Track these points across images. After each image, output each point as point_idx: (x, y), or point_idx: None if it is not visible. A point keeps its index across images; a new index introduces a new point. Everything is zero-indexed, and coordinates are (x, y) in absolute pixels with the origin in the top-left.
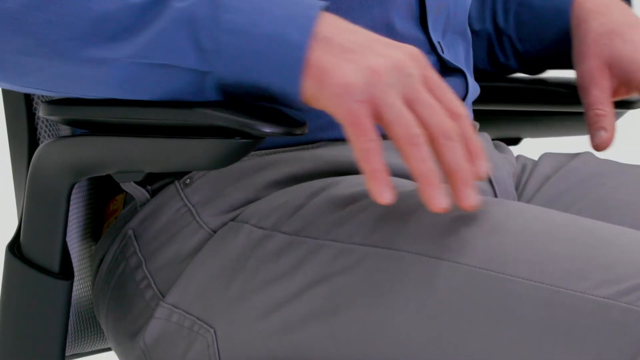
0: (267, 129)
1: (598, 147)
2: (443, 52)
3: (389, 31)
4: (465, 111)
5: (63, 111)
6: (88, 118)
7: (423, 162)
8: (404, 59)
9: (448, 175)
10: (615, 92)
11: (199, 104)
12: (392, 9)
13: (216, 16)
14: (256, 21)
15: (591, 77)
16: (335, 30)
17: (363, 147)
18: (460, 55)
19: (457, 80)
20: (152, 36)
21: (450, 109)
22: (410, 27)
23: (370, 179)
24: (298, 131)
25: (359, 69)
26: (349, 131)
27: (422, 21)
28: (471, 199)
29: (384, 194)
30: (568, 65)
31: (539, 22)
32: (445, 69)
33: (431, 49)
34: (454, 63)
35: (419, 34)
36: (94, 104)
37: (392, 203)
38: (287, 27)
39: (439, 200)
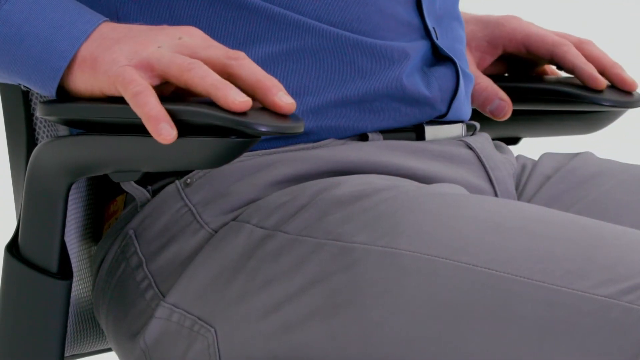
0: (262, 128)
1: (502, 115)
2: (437, 39)
3: (382, 15)
4: (244, 54)
5: (60, 111)
6: (85, 118)
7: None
8: (174, 30)
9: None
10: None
11: (194, 103)
12: None
13: (0, 5)
14: (30, 18)
15: None
16: (109, 32)
17: (131, 94)
18: (456, 40)
19: (447, 70)
20: None
21: (229, 56)
22: (404, 11)
23: (146, 122)
24: (293, 130)
25: (125, 47)
26: (120, 90)
27: (419, 6)
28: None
29: (163, 132)
30: None
31: None
32: (438, 57)
33: (425, 34)
34: (446, 51)
35: (414, 19)
36: (91, 103)
37: (173, 140)
38: (57, 34)
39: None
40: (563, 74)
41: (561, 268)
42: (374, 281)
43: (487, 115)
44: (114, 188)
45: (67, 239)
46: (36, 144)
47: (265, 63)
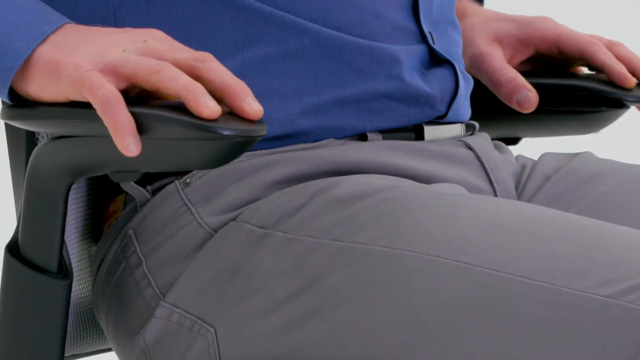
0: (225, 132)
1: (528, 106)
2: (434, 43)
3: (378, 20)
4: (211, 56)
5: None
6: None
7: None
8: (138, 33)
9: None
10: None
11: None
12: None
13: None
14: None
15: (482, 54)
16: (71, 35)
17: (99, 101)
18: (452, 44)
19: (446, 72)
20: None
21: (196, 58)
22: (400, 16)
23: (113, 134)
24: (256, 134)
25: (88, 51)
26: (87, 96)
27: (415, 11)
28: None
29: (129, 148)
30: None
31: None
32: (435, 60)
33: (422, 39)
34: (444, 54)
35: (410, 24)
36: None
37: (137, 154)
38: (14, 34)
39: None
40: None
41: (561, 268)
42: (374, 281)
43: (513, 105)
44: (113, 188)
45: (67, 239)
46: (36, 144)
47: (263, 63)
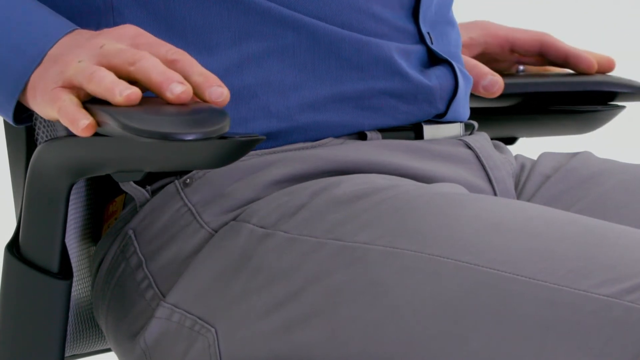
0: (189, 137)
1: (495, 90)
2: (432, 43)
3: (376, 21)
4: (183, 55)
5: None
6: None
7: (101, 81)
8: (100, 39)
9: (150, 85)
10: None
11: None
12: (376, 0)
13: None
14: None
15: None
16: (59, 45)
17: (57, 110)
18: (451, 45)
19: (445, 71)
20: None
21: (166, 58)
22: (399, 17)
23: (70, 126)
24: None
25: (54, 69)
26: (52, 110)
27: (415, 12)
28: (178, 88)
29: (80, 124)
30: None
31: None
32: (434, 59)
33: (420, 39)
34: (442, 54)
35: (408, 25)
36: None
37: (88, 127)
38: (15, 57)
39: (123, 92)
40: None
41: (563, 267)
42: (375, 280)
43: (480, 92)
44: (113, 188)
45: (66, 239)
46: (36, 144)
47: (261, 57)
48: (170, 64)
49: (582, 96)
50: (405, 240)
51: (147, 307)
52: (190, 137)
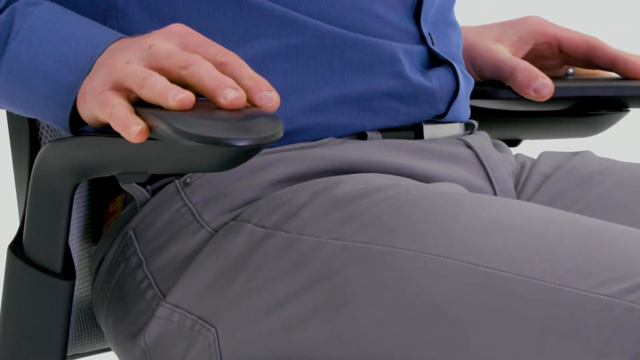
0: (241, 143)
1: (545, 93)
2: (433, 44)
3: (378, 22)
4: (232, 57)
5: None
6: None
7: (153, 87)
8: (149, 39)
9: (203, 90)
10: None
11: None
12: (377, 0)
13: (6, 43)
14: (37, 54)
15: (489, 51)
16: (107, 51)
17: (108, 115)
18: (452, 46)
19: (446, 72)
20: None
21: (215, 60)
22: (400, 18)
23: (120, 130)
24: (269, 139)
25: (101, 72)
26: (103, 115)
27: (416, 13)
28: (231, 93)
29: (131, 131)
30: None
31: None
32: (435, 60)
33: (421, 40)
34: (443, 55)
35: (409, 25)
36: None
37: (140, 135)
38: (65, 69)
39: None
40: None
41: (563, 267)
42: (375, 280)
43: (529, 95)
44: (113, 188)
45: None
46: (39, 145)
47: (264, 59)
48: (220, 66)
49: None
50: (406, 240)
51: (147, 307)
52: (243, 143)
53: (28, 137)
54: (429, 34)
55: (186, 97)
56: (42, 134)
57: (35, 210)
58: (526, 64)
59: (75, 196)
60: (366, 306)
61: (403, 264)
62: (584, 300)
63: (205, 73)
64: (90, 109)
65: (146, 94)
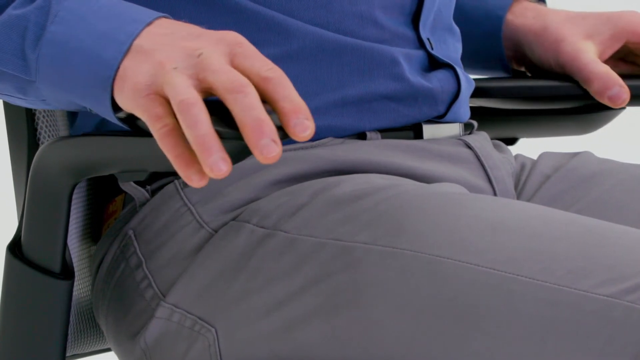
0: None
1: (620, 102)
2: (432, 49)
3: (377, 28)
4: (277, 72)
5: None
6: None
7: (196, 125)
8: (200, 44)
9: (241, 130)
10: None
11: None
12: (376, 6)
13: (44, 26)
14: (76, 34)
15: (574, 50)
16: (151, 38)
17: (159, 135)
18: (451, 50)
19: (448, 74)
20: None
21: (259, 75)
22: (398, 23)
23: (175, 164)
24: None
25: (149, 66)
26: (148, 124)
27: (415, 18)
28: (269, 148)
29: (193, 178)
30: (495, 67)
31: (467, 25)
32: (435, 64)
33: (420, 45)
34: (443, 59)
35: (408, 31)
36: None
37: (202, 183)
38: (104, 44)
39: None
40: None
41: (563, 267)
42: (375, 281)
43: (604, 101)
44: (113, 188)
45: (67, 239)
46: (38, 144)
47: None
48: (263, 81)
49: None
50: (405, 240)
51: (147, 307)
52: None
53: (26, 136)
54: (428, 39)
55: (220, 171)
56: (40, 133)
57: (33, 210)
58: (605, 70)
59: (75, 196)
60: (366, 307)
61: (403, 264)
62: (584, 300)
63: (248, 109)
64: (128, 105)
65: (183, 123)
